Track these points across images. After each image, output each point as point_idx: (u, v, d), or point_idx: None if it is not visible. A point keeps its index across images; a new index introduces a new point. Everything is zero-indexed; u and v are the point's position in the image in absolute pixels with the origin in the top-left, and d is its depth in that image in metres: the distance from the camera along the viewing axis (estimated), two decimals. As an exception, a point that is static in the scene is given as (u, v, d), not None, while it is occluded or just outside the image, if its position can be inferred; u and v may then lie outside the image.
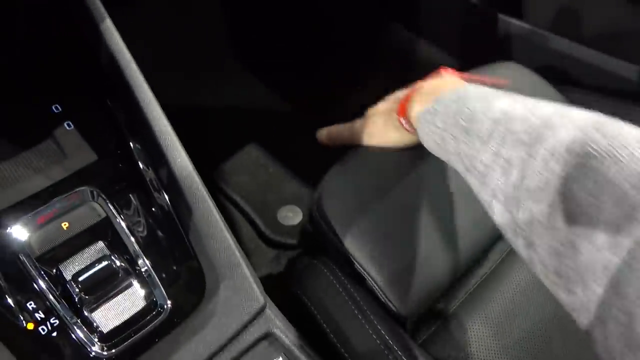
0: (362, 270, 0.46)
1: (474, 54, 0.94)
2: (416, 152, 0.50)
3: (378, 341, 0.42)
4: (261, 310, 0.38)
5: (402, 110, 0.48)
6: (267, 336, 0.38)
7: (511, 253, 0.53)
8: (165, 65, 0.96)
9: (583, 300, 0.27)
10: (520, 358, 0.46)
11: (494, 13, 0.85)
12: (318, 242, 0.51)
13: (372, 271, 0.46)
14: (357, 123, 0.55)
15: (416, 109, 0.45)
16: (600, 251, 0.26)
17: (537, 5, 0.81)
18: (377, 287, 0.46)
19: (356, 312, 0.44)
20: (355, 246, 0.47)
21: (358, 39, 1.12)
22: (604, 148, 0.28)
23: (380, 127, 0.52)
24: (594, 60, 0.75)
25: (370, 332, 0.43)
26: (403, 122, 0.48)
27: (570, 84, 0.75)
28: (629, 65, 0.71)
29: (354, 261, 0.47)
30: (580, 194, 0.27)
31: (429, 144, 0.43)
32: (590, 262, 0.26)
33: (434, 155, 0.44)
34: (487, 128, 0.35)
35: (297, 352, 0.37)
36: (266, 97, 1.05)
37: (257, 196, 0.87)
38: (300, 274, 0.49)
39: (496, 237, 0.53)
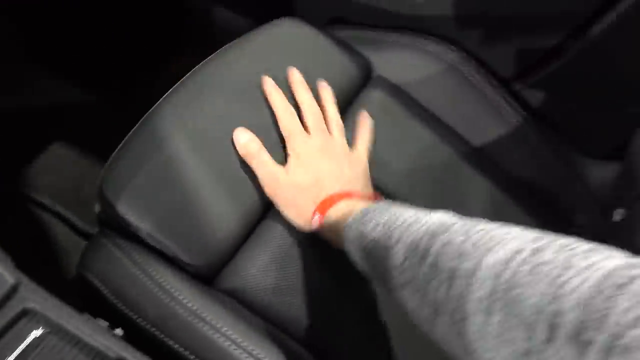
0: (146, 234, 0.47)
1: (268, 13, 0.96)
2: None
3: (161, 293, 0.44)
4: (12, 291, 0.37)
5: (323, 208, 0.48)
6: (26, 313, 0.37)
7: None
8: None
9: None
10: (300, 293, 0.50)
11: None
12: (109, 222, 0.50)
13: (155, 232, 0.47)
14: (280, 178, 0.50)
15: (336, 219, 0.45)
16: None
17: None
18: (163, 247, 0.47)
19: (138, 272, 0.45)
20: (137, 215, 0.47)
21: (153, 19, 1.09)
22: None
23: (292, 203, 0.50)
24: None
25: (152, 286, 0.44)
26: (316, 218, 0.48)
27: (344, 22, 0.81)
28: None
29: (137, 229, 0.47)
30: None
31: (356, 256, 0.42)
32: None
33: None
34: (424, 240, 0.34)
35: (61, 320, 0.37)
36: (67, 93, 0.99)
37: (69, 193, 0.83)
38: (83, 252, 0.48)
39: None
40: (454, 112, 0.69)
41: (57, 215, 0.81)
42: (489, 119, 0.70)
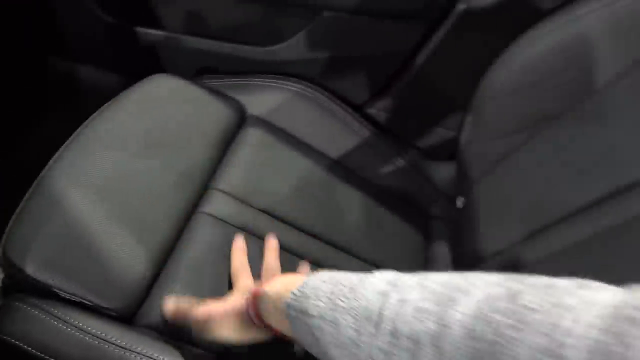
0: (59, 289, 0.49)
1: (134, 69, 1.00)
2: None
3: (88, 338, 0.46)
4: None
5: (253, 306, 0.44)
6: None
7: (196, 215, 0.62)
8: None
9: None
10: None
11: (131, 28, 0.93)
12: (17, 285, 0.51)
13: (70, 286, 0.50)
14: (214, 317, 0.47)
15: (273, 300, 0.40)
16: None
17: (168, 13, 0.92)
18: (80, 297, 0.50)
19: (58, 324, 0.47)
20: (47, 273, 0.49)
21: (16, 80, 1.07)
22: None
23: (237, 329, 0.46)
24: (223, 50, 0.90)
25: (76, 332, 0.47)
26: (254, 318, 0.44)
27: (210, 73, 0.89)
28: (245, 46, 0.88)
29: (49, 286, 0.49)
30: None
31: (305, 339, 0.35)
32: None
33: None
34: (375, 304, 0.29)
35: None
36: None
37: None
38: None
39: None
40: (320, 138, 0.79)
41: None
42: (351, 141, 0.82)
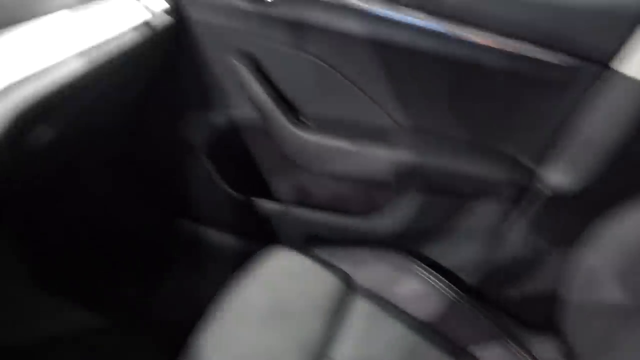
0: None
1: (251, 234, 1.14)
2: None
3: None
4: None
5: None
6: None
7: None
8: None
9: None
10: None
11: (250, 199, 1.09)
12: None
13: None
14: None
15: None
16: None
17: (281, 187, 1.08)
18: None
19: None
20: None
21: (148, 242, 1.24)
22: None
23: None
24: (328, 220, 1.02)
25: None
26: None
27: (317, 240, 1.00)
28: (347, 217, 1.00)
29: None
30: None
31: None
32: None
33: None
34: None
35: None
36: (59, 317, 1.06)
37: None
38: None
39: None
40: (423, 311, 0.84)
41: None
42: (451, 315, 0.87)
